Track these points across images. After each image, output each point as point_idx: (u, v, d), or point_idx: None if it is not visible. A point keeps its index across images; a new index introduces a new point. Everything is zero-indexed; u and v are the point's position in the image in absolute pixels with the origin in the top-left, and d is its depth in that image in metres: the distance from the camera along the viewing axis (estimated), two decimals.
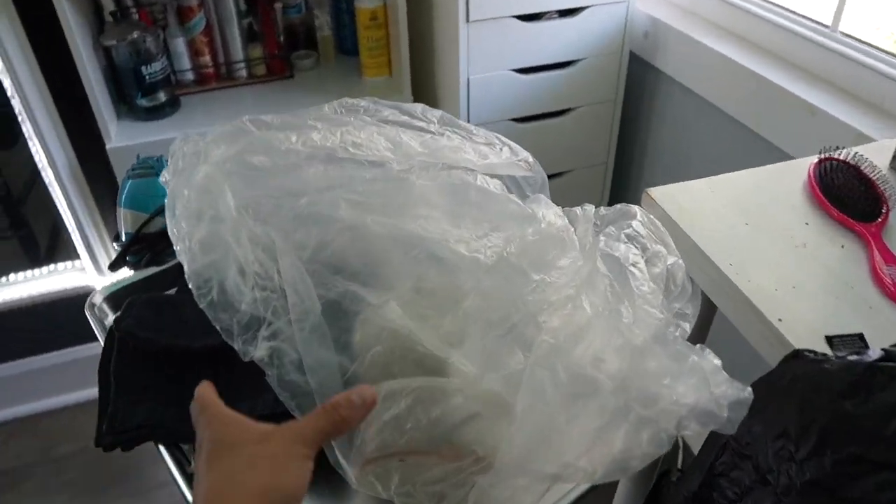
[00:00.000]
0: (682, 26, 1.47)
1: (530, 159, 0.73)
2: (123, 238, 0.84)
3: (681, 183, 0.85)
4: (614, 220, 0.67)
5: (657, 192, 0.84)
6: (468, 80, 1.50)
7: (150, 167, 0.83)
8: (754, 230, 0.79)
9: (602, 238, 0.62)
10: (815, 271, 0.74)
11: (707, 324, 0.88)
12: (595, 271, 0.57)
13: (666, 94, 1.58)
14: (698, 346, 0.61)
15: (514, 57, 1.51)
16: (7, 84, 1.42)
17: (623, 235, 0.62)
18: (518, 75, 1.53)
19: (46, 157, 1.51)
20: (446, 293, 0.56)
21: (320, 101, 1.62)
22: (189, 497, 0.61)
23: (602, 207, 0.69)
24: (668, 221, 0.81)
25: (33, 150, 1.52)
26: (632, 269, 0.57)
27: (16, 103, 1.44)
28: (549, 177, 1.84)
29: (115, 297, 0.80)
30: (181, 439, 0.62)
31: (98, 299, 0.79)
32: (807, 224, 0.80)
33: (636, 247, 0.62)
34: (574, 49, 1.54)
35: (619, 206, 0.69)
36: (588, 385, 0.51)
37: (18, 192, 2.01)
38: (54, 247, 1.95)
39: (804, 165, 0.88)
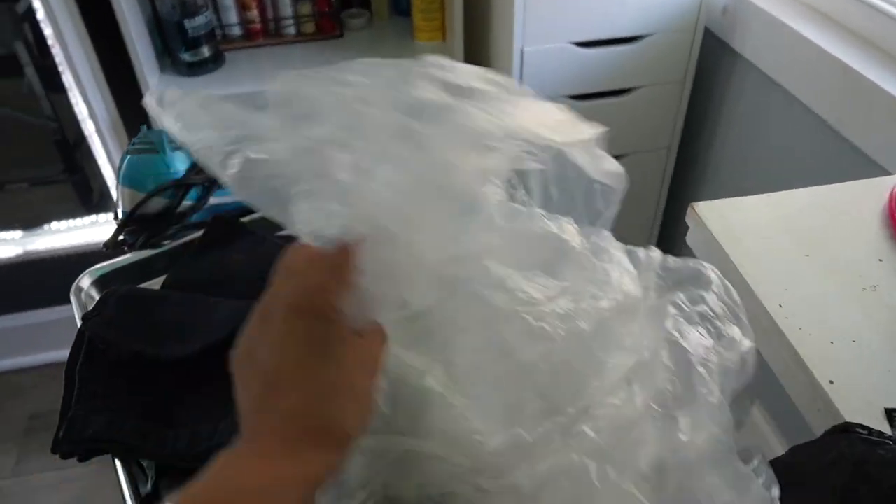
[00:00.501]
0: (767, 4, 1.31)
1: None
2: (121, 216, 0.79)
3: (733, 199, 0.74)
4: (684, 280, 0.54)
5: (704, 208, 0.73)
6: (522, 51, 1.39)
7: (150, 143, 0.78)
8: (815, 264, 0.68)
9: (672, 310, 0.50)
10: (883, 322, 0.62)
11: None
12: (656, 357, 0.47)
13: (741, 78, 1.43)
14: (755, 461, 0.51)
15: (574, 29, 1.38)
16: (48, 32, 1.39)
17: (696, 315, 0.51)
18: (578, 49, 1.41)
19: (87, 108, 1.48)
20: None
21: None
22: None
23: (670, 257, 0.55)
24: (712, 245, 0.70)
25: (73, 101, 1.50)
26: (701, 369, 0.47)
27: (56, 52, 1.41)
28: None
29: (105, 281, 0.76)
30: (138, 457, 0.57)
31: (85, 283, 0.75)
32: (880, 261, 0.68)
33: (710, 331, 0.51)
34: (642, 22, 1.40)
35: (690, 263, 0.55)
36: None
37: (74, 136, 2.03)
38: (107, 194, 1.96)
39: (886, 186, 0.76)
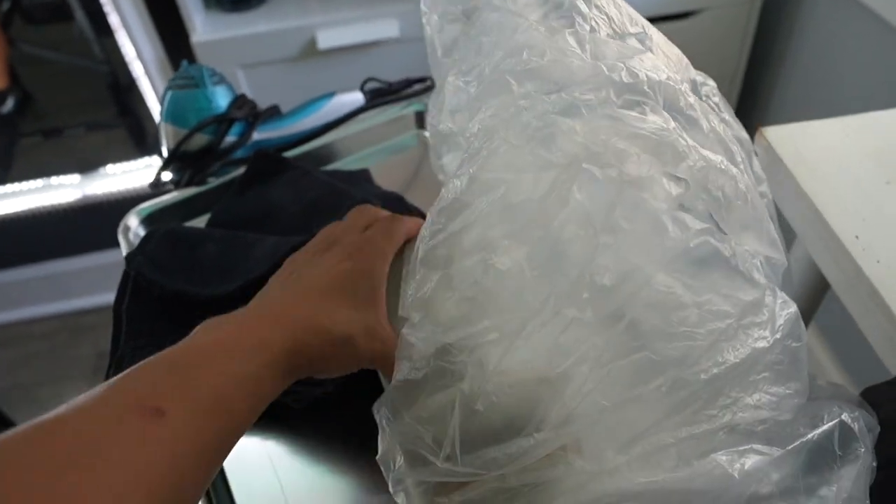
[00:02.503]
0: None
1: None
2: (165, 154, 0.78)
3: (806, 122, 0.69)
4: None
5: (773, 133, 0.68)
6: None
7: (191, 78, 0.76)
8: None
9: None
10: None
11: (816, 303, 0.73)
12: None
13: None
14: None
15: None
16: None
17: None
18: None
19: (134, 49, 1.48)
20: None
21: None
22: None
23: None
24: (782, 172, 0.65)
25: (120, 43, 1.49)
26: None
27: None
28: None
29: (151, 220, 0.75)
30: None
31: (133, 222, 0.74)
32: None
33: None
34: None
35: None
36: None
37: (126, 79, 2.04)
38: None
39: None
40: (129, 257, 0.61)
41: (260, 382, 0.37)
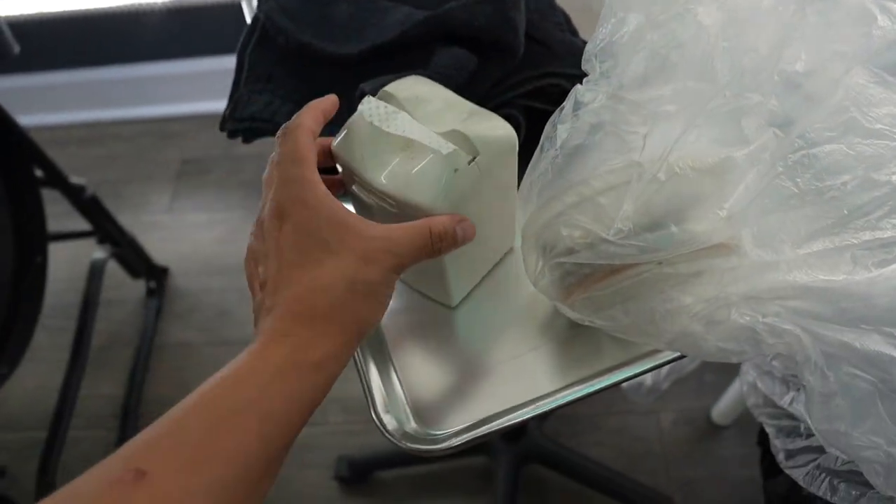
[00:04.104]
0: None
1: None
2: None
3: None
4: None
5: None
6: None
7: None
8: None
9: None
10: None
11: None
12: None
13: None
14: None
15: None
16: None
17: None
18: None
19: None
20: None
21: None
22: None
23: None
24: None
25: None
26: None
27: None
28: None
29: None
30: None
31: None
32: None
33: None
34: None
35: None
36: None
37: None
38: None
39: None
40: (262, 0, 0.59)
41: (276, 398, 0.34)
